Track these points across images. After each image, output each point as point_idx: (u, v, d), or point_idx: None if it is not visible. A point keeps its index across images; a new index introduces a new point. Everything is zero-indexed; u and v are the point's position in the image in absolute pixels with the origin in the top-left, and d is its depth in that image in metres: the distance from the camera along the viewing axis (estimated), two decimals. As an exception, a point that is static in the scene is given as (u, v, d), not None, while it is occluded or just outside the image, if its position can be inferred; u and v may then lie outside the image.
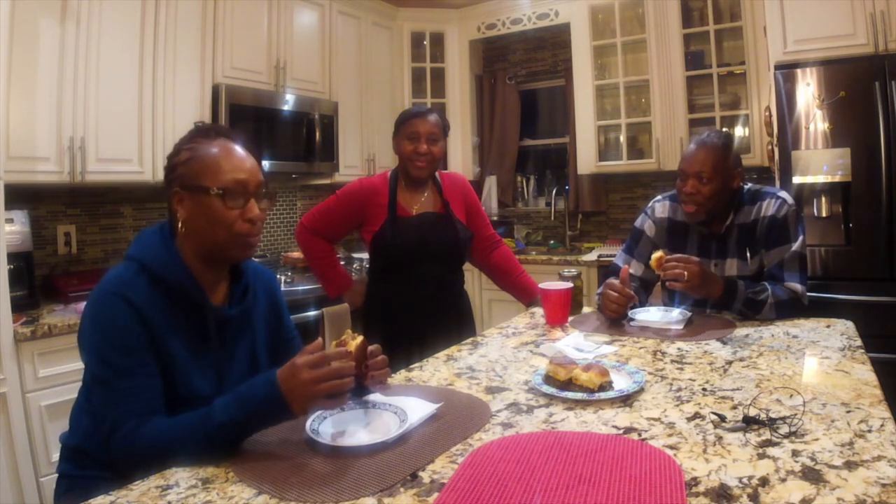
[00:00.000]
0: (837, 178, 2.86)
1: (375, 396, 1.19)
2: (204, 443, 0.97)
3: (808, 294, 1.85)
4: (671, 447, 0.95)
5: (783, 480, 0.82)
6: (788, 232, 1.85)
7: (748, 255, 1.89)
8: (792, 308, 1.80)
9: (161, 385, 1.08)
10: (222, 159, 1.14)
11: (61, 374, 2.19)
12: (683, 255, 1.78)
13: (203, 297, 1.15)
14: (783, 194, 1.90)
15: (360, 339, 1.07)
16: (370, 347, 1.11)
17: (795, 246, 1.84)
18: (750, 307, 1.78)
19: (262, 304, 1.30)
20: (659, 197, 2.10)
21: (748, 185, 1.96)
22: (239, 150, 1.17)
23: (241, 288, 1.24)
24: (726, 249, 1.93)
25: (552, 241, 4.46)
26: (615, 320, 1.85)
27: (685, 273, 1.70)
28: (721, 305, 1.83)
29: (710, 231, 1.94)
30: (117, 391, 1.03)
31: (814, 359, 1.41)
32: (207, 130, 1.19)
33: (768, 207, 1.87)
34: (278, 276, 3.10)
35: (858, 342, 1.53)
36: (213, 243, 1.15)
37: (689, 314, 1.83)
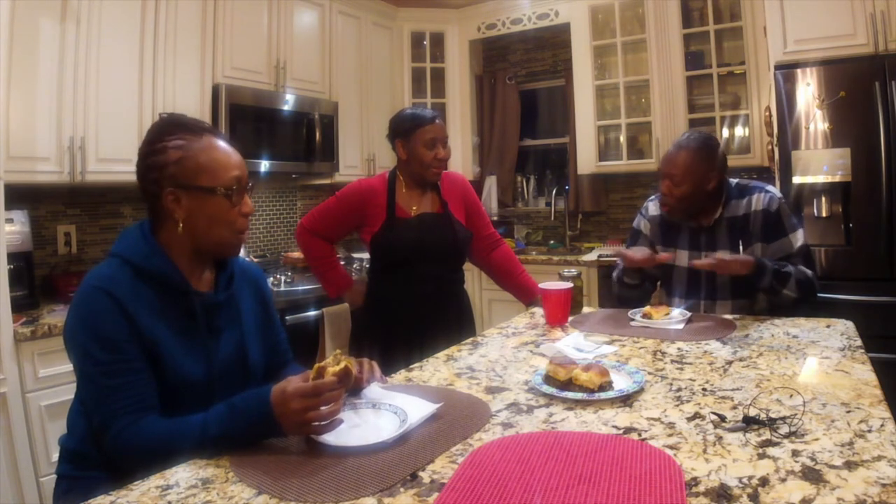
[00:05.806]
0: (837, 178, 2.86)
1: (375, 395, 1.19)
2: (197, 450, 0.99)
3: None
4: (671, 447, 0.95)
5: (783, 480, 0.82)
6: (783, 223, 1.92)
7: (741, 247, 1.95)
8: (810, 288, 1.86)
9: (151, 379, 1.08)
10: (219, 158, 1.16)
11: (61, 374, 2.18)
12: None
13: (186, 283, 1.17)
14: (770, 188, 1.98)
15: (343, 365, 1.06)
16: (358, 361, 1.16)
17: (799, 241, 1.91)
18: (777, 279, 1.83)
19: (249, 294, 1.32)
20: (652, 196, 2.18)
21: (735, 180, 2.02)
22: (226, 146, 1.20)
23: (226, 276, 1.26)
24: (715, 241, 1.98)
25: (552, 241, 4.46)
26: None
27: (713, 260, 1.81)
28: (751, 280, 1.85)
29: (699, 224, 2.00)
30: (105, 388, 1.04)
31: (814, 359, 1.41)
32: (189, 125, 1.18)
33: (758, 202, 1.94)
34: (278, 276, 3.11)
35: (858, 342, 1.53)
36: (211, 241, 1.17)
37: (689, 314, 1.84)
